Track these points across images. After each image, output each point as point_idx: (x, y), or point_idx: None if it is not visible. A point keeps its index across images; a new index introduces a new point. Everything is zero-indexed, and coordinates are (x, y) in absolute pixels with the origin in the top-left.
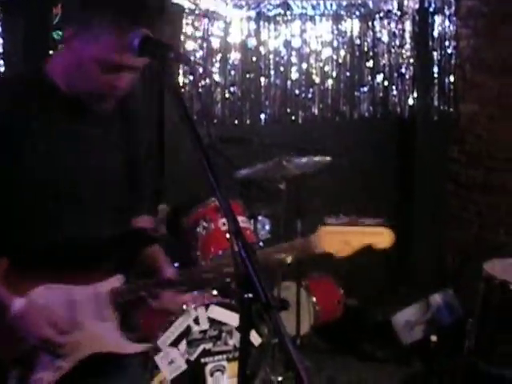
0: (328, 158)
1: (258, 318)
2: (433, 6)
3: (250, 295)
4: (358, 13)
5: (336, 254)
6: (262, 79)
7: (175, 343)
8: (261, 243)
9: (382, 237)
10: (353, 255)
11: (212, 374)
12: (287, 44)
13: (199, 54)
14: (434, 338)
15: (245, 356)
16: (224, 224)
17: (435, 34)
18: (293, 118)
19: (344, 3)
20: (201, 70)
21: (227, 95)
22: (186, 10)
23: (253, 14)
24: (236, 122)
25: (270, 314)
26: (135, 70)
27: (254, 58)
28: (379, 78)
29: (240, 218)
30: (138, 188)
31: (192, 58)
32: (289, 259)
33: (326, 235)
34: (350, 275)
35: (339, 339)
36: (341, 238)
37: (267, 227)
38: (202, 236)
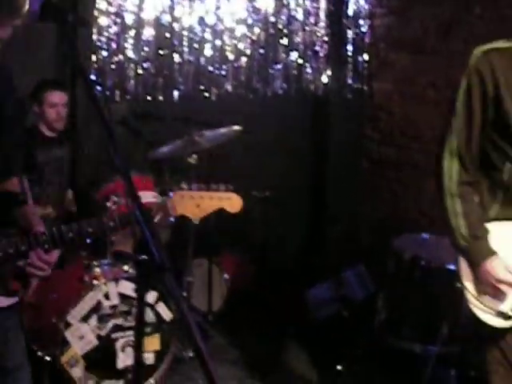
0: (238, 128)
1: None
2: None
3: (145, 257)
4: None
5: (190, 216)
6: (176, 56)
7: (86, 318)
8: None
9: (230, 201)
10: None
11: (123, 350)
12: (201, 21)
13: (113, 29)
14: (345, 313)
15: (141, 318)
16: None
17: (350, 12)
18: (206, 94)
19: None
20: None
21: (140, 71)
22: None
23: None
24: (149, 98)
25: (164, 276)
26: None
27: (168, 35)
28: (293, 55)
29: (151, 194)
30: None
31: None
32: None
33: (179, 199)
34: (263, 249)
35: (252, 316)
36: (193, 202)
37: None
38: (112, 211)
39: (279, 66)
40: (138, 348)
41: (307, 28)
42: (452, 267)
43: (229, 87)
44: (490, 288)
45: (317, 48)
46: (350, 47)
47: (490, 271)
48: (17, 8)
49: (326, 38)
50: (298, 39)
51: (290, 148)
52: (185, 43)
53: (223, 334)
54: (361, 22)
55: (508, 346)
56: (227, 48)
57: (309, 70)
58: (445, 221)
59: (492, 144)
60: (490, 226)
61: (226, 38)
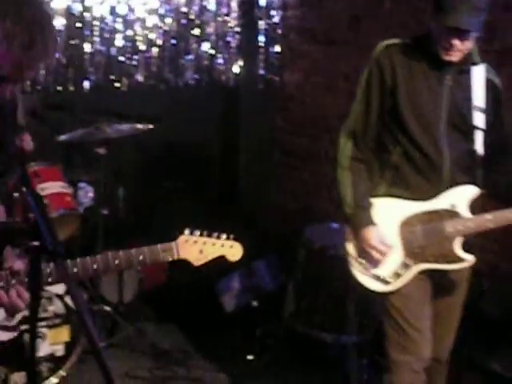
0: (149, 126)
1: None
2: None
3: (37, 243)
4: None
5: (192, 261)
6: (87, 46)
7: None
8: (81, 209)
9: (232, 250)
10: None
11: None
12: (113, 10)
13: None
14: (255, 303)
15: (35, 306)
16: (42, 189)
17: (262, 3)
18: (117, 84)
19: None
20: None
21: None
22: None
23: None
24: (60, 88)
25: (57, 262)
26: None
27: (79, 24)
28: (205, 46)
29: (59, 184)
30: None
31: None
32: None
33: (184, 243)
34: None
35: (163, 307)
36: (196, 248)
37: (90, 194)
38: (19, 201)
39: (191, 57)
40: (32, 338)
41: (219, 18)
42: None
43: (140, 78)
44: (366, 253)
45: (228, 39)
46: (261, 38)
47: (366, 238)
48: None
49: (237, 29)
50: (209, 30)
51: (201, 139)
52: (96, 33)
53: (134, 325)
54: (273, 12)
55: (393, 308)
56: (138, 38)
57: (220, 61)
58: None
59: (386, 129)
60: (376, 200)
61: (137, 28)
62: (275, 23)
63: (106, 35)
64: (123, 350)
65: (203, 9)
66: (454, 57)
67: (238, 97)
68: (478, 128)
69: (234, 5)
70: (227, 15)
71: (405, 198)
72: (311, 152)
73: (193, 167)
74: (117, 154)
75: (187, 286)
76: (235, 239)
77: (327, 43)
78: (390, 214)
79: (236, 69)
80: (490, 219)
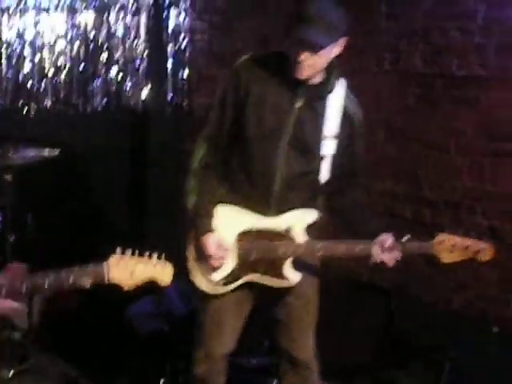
0: (56, 152)
1: None
2: None
3: None
4: (93, 5)
5: (123, 284)
6: None
7: None
8: None
9: (163, 270)
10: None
11: None
12: (20, 35)
13: None
14: (166, 327)
15: None
16: None
17: (170, 27)
18: (25, 110)
19: None
20: None
21: None
22: None
23: None
24: None
25: None
26: None
27: None
28: (113, 70)
29: None
30: None
31: None
32: (86, 284)
33: (115, 264)
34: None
35: (74, 333)
36: (128, 269)
37: None
38: None
39: (99, 82)
40: None
41: (127, 43)
42: None
43: (48, 103)
44: (205, 258)
45: (137, 63)
46: (170, 62)
47: (205, 244)
48: None
49: (145, 54)
50: (117, 54)
51: (109, 164)
52: (3, 58)
53: (44, 351)
54: (181, 36)
55: (217, 309)
56: (46, 63)
57: (128, 86)
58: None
59: (234, 138)
60: (219, 208)
61: (45, 53)
62: (184, 47)
63: (14, 60)
64: (33, 376)
65: (111, 34)
66: (304, 73)
67: (146, 122)
68: (324, 157)
69: (142, 29)
70: (135, 40)
71: (242, 207)
72: None
73: (102, 193)
74: (24, 179)
75: (98, 312)
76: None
77: None
78: (228, 223)
79: (144, 94)
80: (319, 248)
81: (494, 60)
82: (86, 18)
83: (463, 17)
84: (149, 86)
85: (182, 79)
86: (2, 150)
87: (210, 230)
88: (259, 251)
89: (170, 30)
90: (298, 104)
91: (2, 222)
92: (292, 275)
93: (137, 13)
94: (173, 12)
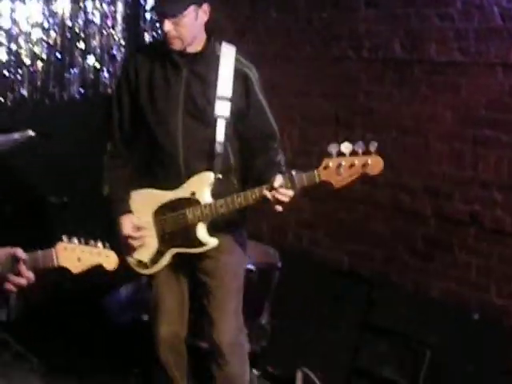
0: (32, 133)
1: None
2: None
3: None
4: None
5: (71, 269)
6: None
7: None
8: None
9: (108, 258)
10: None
11: None
12: None
13: None
14: (145, 317)
15: None
16: None
17: (147, 15)
18: (1, 99)
19: None
20: None
21: None
22: None
23: None
24: None
25: None
26: None
27: None
28: (90, 59)
29: None
30: None
31: None
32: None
33: (62, 250)
34: None
35: (52, 323)
36: (75, 255)
37: None
38: None
39: (76, 71)
40: None
41: (104, 32)
42: None
43: (24, 92)
44: (126, 239)
45: (114, 52)
46: None
47: (121, 227)
48: None
49: (123, 42)
50: (94, 43)
51: (86, 154)
52: None
53: (22, 342)
54: (158, 25)
55: (155, 288)
56: (23, 52)
57: (106, 75)
58: None
59: (136, 125)
60: (134, 193)
61: (21, 41)
62: (160, 36)
63: None
64: (12, 368)
65: (88, 22)
66: (175, 43)
67: None
68: (218, 117)
69: (119, 18)
70: (112, 28)
71: (157, 188)
72: None
73: (79, 183)
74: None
75: (75, 301)
76: (112, 249)
77: None
78: (144, 205)
79: None
80: (222, 204)
81: (474, 46)
82: (63, 6)
83: (442, 2)
84: None
85: None
86: None
87: (123, 212)
88: (170, 223)
89: (147, 18)
90: (184, 74)
91: None
92: (208, 239)
93: (113, 1)
94: (149, 0)
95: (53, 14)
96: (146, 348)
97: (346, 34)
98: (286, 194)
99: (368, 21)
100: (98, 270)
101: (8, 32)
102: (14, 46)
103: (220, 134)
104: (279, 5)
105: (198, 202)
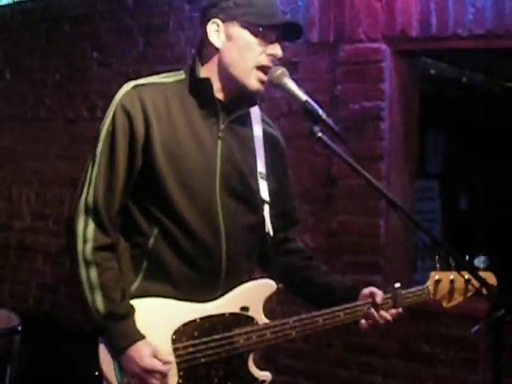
0: None
1: None
2: None
3: None
4: None
5: None
6: None
7: None
8: None
9: None
10: None
11: None
12: None
13: None
14: None
15: None
16: None
17: None
18: None
19: None
20: None
21: None
22: None
23: None
24: None
25: None
26: None
27: None
28: None
29: None
30: None
31: None
32: None
33: None
34: None
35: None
36: None
37: None
38: None
39: None
40: None
41: None
42: None
43: None
44: (137, 380)
45: None
46: None
47: (136, 359)
48: None
49: None
50: None
51: None
52: None
53: None
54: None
55: None
56: None
57: None
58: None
59: (138, 204)
60: (135, 302)
61: None
62: None
63: None
64: None
65: None
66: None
67: None
68: (265, 200)
69: None
70: None
71: (168, 297)
72: None
73: None
74: None
75: None
76: None
77: None
78: (156, 323)
79: None
80: (295, 326)
81: None
82: None
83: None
84: None
85: None
86: None
87: (138, 335)
88: (209, 349)
89: None
90: (220, 134)
91: None
92: (262, 374)
93: None
94: None
95: None
96: None
97: (80, 95)
98: (392, 315)
99: (101, 80)
100: None
101: None
102: None
103: (269, 224)
104: (13, 67)
105: (250, 321)
